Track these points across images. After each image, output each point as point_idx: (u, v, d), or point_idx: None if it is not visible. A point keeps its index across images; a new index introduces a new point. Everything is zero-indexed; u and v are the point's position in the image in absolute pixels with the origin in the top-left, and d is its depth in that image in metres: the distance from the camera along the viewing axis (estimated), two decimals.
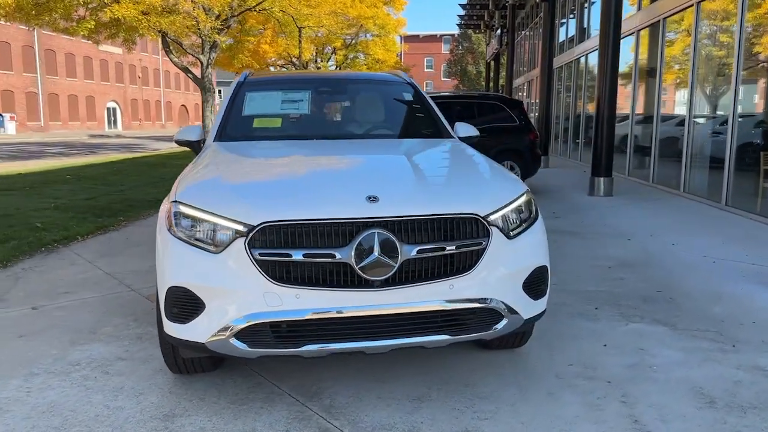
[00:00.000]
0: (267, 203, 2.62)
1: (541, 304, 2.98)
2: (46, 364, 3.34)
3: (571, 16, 19.26)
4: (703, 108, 9.94)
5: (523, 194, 3.01)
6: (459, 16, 37.54)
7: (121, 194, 9.74)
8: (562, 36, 20.63)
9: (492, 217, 2.75)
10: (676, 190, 10.17)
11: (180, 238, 2.67)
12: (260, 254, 2.53)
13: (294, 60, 29.55)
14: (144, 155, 19.76)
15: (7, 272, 5.27)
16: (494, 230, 2.74)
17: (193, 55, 20.58)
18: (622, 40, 13.29)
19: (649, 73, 12.04)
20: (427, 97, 4.41)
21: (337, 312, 2.55)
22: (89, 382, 3.11)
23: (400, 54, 61.76)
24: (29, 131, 44.77)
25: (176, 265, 2.66)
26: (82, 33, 17.37)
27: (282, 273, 2.54)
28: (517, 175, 10.07)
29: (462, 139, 4.09)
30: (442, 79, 78.14)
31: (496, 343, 3.35)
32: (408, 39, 75.40)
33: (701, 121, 9.89)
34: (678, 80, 11.04)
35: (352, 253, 2.52)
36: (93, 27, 17.54)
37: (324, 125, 4.23)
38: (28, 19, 16.67)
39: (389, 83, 4.58)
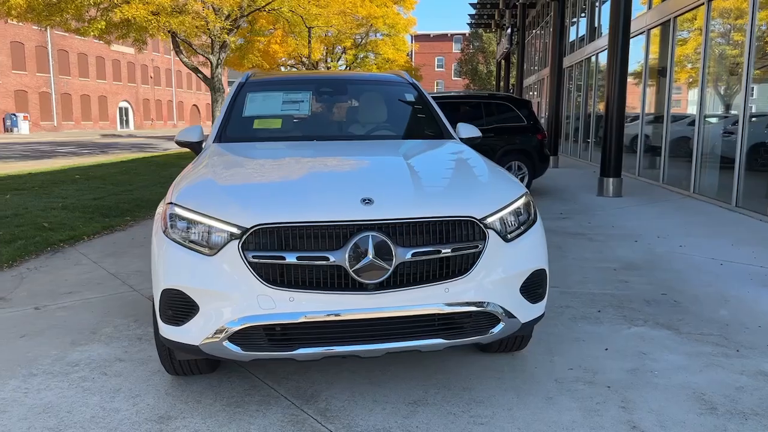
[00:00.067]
0: (260, 205, 2.61)
1: (539, 308, 2.94)
2: (46, 365, 3.35)
3: (582, 15, 19.13)
4: (714, 107, 9.83)
5: (521, 196, 2.97)
6: (470, 15, 37.43)
7: (129, 194, 9.78)
8: (572, 35, 20.50)
9: (489, 220, 2.72)
10: (686, 191, 10.07)
11: (175, 240, 2.67)
12: (254, 257, 2.52)
13: (304, 60, 29.57)
14: (154, 155, 19.86)
15: (12, 272, 5.31)
16: (491, 233, 2.71)
17: (203, 55, 20.67)
18: (632, 40, 13.20)
19: (659, 73, 11.93)
20: (429, 97, 4.39)
21: (331, 315, 2.53)
22: (87, 383, 3.12)
23: (411, 53, 61.73)
24: (42, 131, 45.21)
25: (171, 267, 2.65)
26: (92, 34, 17.49)
27: (276, 276, 2.53)
28: (525, 176, 10.15)
29: (464, 140, 4.06)
30: (453, 78, 77.96)
31: (495, 346, 3.33)
32: (419, 38, 75.37)
33: (712, 120, 9.77)
34: (688, 80, 10.92)
35: (346, 256, 2.50)
36: (104, 27, 17.65)
37: (324, 126, 4.21)
38: (40, 19, 16.81)
39: (391, 84, 4.56)
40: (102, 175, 12.58)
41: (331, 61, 35.87)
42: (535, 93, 27.91)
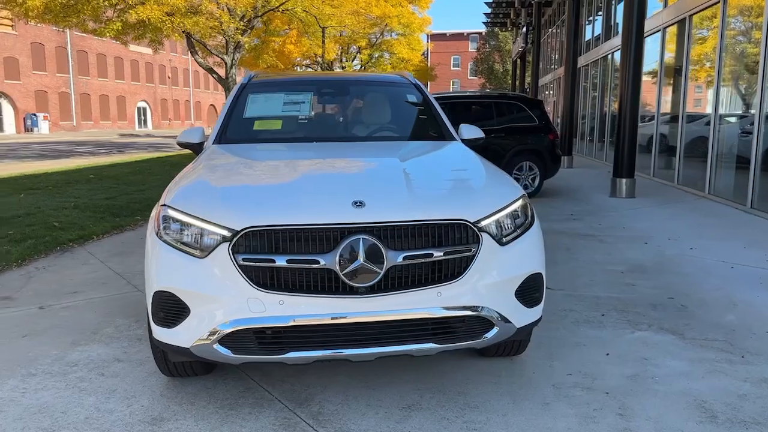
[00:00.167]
0: (251, 208, 2.60)
1: (535, 312, 2.89)
2: (45, 365, 3.37)
3: (598, 13, 18.93)
4: (730, 107, 9.66)
5: (518, 199, 2.93)
6: (485, 14, 37.23)
7: (141, 194, 9.86)
8: (588, 34, 20.30)
9: (483, 223, 2.68)
10: (701, 192, 9.91)
11: (167, 242, 2.67)
12: (244, 260, 2.51)
13: (319, 60, 29.64)
14: (169, 155, 20.03)
15: (20, 271, 5.37)
16: (485, 236, 2.67)
17: (218, 56, 20.79)
18: (648, 38, 13.06)
19: (675, 72, 11.76)
20: (432, 98, 4.35)
21: (321, 319, 2.52)
22: (84, 384, 3.13)
23: (426, 53, 61.61)
24: (62, 130, 45.84)
25: (162, 269, 2.65)
26: (109, 34, 17.67)
27: (266, 279, 2.52)
28: (536, 176, 10.06)
29: (467, 141, 4.01)
30: (469, 77, 77.67)
31: (493, 350, 3.29)
32: (435, 37, 75.25)
33: (727, 120, 9.61)
34: (704, 79, 10.75)
35: (337, 260, 2.48)
36: (120, 28, 17.83)
37: (324, 127, 4.20)
38: (57, 20, 17.03)
39: (393, 85, 4.53)
40: (116, 174, 12.71)
41: (346, 60, 35.92)
42: (552, 92, 27.67)
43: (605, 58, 17.28)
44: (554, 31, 26.70)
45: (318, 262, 2.49)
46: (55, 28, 21.04)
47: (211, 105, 70.62)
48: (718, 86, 9.51)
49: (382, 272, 2.51)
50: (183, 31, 17.90)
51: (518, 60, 35.34)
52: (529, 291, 2.83)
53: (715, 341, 3.63)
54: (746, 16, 9.18)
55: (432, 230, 2.60)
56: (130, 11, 16.22)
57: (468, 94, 11.71)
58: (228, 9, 18.64)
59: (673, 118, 11.69)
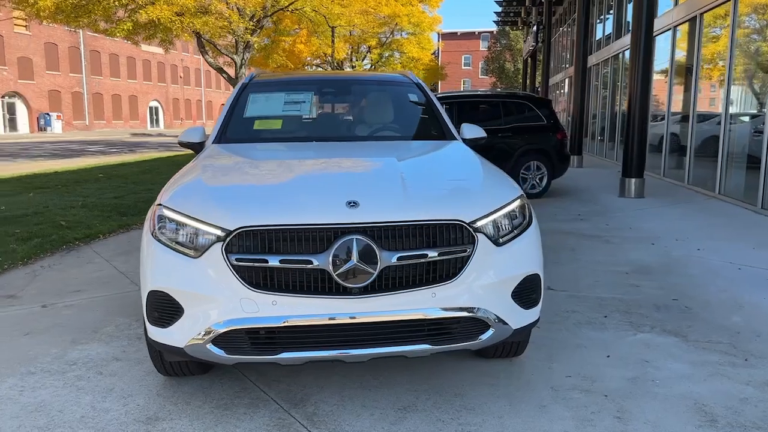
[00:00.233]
0: (245, 208, 2.59)
1: (532, 314, 2.86)
2: (45, 363, 3.39)
3: (609, 12, 18.79)
4: (740, 106, 9.54)
5: (516, 199, 2.90)
6: (495, 13, 37.09)
7: (149, 193, 9.91)
8: (599, 33, 20.15)
9: (478, 224, 2.66)
10: (711, 192, 9.80)
11: (161, 242, 2.67)
12: (237, 259, 2.50)
13: (329, 59, 29.66)
14: (178, 154, 20.12)
15: (26, 270, 5.41)
16: (480, 237, 2.65)
17: (228, 56, 20.87)
18: (659, 37, 12.94)
19: (685, 71, 11.64)
20: (434, 97, 4.32)
21: (314, 319, 2.50)
22: (82, 383, 3.14)
23: (437, 52, 61.48)
24: (75, 130, 46.25)
25: (157, 268, 2.66)
26: (119, 34, 17.78)
27: (259, 279, 2.51)
28: (544, 176, 9.99)
29: (469, 141, 3.98)
30: (480, 77, 77.44)
31: (491, 352, 3.26)
32: (445, 36, 75.08)
33: (738, 120, 9.49)
34: (715, 78, 10.63)
35: (330, 260, 2.47)
36: (131, 28, 17.93)
37: (324, 127, 4.19)
38: (69, 20, 17.16)
39: (395, 84, 4.51)
40: (125, 174, 12.79)
41: (356, 60, 35.91)
42: (563, 91, 27.51)
43: (616, 56, 17.14)
44: (565, 29, 26.54)
45: (311, 263, 2.48)
46: (67, 29, 21.15)
47: (223, 104, 70.75)
48: (729, 85, 9.40)
49: (376, 273, 2.49)
50: (193, 31, 17.98)
51: (529, 59, 35.17)
52: (526, 292, 2.80)
53: (718, 344, 3.58)
54: (759, 13, 9.06)
55: (427, 230, 2.57)
56: (140, 11, 16.30)
57: (475, 93, 11.65)
58: (237, 9, 18.69)
59: (684, 118, 11.57)
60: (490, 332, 2.67)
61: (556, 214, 8.32)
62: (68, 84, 47.06)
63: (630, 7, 15.93)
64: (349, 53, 35.06)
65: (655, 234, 6.79)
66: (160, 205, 2.78)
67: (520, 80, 49.77)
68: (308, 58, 33.47)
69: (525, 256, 2.82)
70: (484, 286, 2.65)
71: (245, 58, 20.62)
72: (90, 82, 49.19)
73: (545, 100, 10.79)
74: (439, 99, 10.13)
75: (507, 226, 2.79)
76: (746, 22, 9.31)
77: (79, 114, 48.24)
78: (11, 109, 42.65)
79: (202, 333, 2.54)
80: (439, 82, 55.76)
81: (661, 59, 13.10)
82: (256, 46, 22.17)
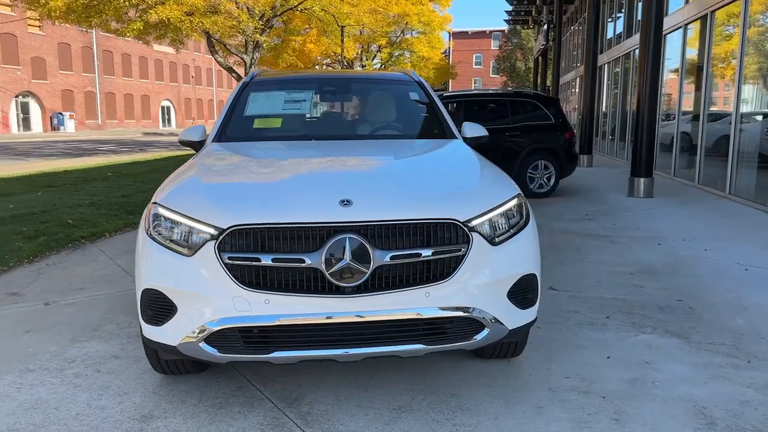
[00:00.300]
0: (238, 207, 2.59)
1: (529, 314, 2.83)
2: (44, 361, 3.40)
3: (620, 11, 18.64)
4: (752, 105, 9.42)
5: (512, 198, 2.87)
6: (506, 11, 36.93)
7: None
8: (610, 31, 20.00)
9: (473, 223, 2.63)
10: (721, 192, 9.68)
11: (156, 241, 2.67)
12: (229, 258, 2.49)
13: (339, 58, 29.69)
14: (188, 153, 20.19)
15: (31, 267, 5.44)
16: (475, 236, 2.62)
17: (237, 55, 20.94)
18: (669, 35, 12.81)
19: (696, 69, 11.51)
20: (435, 96, 4.29)
21: (307, 318, 2.49)
22: (79, 380, 3.15)
23: (448, 51, 61.33)
24: (87, 129, 46.62)
25: (151, 267, 2.66)
26: (129, 34, 17.90)
27: (251, 277, 2.50)
28: (552, 175, 9.92)
29: (470, 139, 3.94)
30: (491, 76, 77.15)
31: (489, 352, 3.23)
32: (456, 35, 74.90)
33: (749, 119, 9.37)
34: (726, 76, 10.50)
35: (323, 259, 2.46)
36: (141, 28, 18.05)
37: (323, 125, 4.17)
38: (80, 20, 17.30)
39: (395, 82, 4.49)
40: (134, 172, 12.86)
41: (366, 59, 35.91)
42: (575, 90, 27.32)
43: (627, 55, 16.99)
44: (576, 28, 26.38)
45: (304, 262, 2.47)
46: (80, 29, 21.31)
47: None
48: (740, 84, 9.28)
49: (369, 272, 2.47)
50: (203, 31, 18.06)
51: (540, 58, 34.98)
52: (522, 292, 2.77)
53: (721, 345, 3.53)
54: None
55: (420, 230, 2.55)
56: (150, 11, 16.40)
57: (482, 92, 11.59)
58: (247, 8, 18.75)
59: (695, 117, 11.45)
60: (485, 332, 2.64)
61: (563, 213, 8.26)
62: (81, 84, 47.45)
63: (640, 7, 15.80)
64: (359, 52, 35.06)
65: (663, 234, 6.72)
66: (155, 203, 2.78)
67: (532, 79, 49.52)
68: (318, 58, 33.51)
69: (521, 255, 2.79)
70: (479, 285, 2.62)
71: (255, 57, 20.69)
72: (102, 81, 49.57)
73: (553, 99, 10.71)
74: (446, 98, 10.17)
75: (503, 226, 2.76)
76: (758, 20, 9.19)
77: (91, 113, 48.64)
78: (25, 109, 43.08)
79: (196, 331, 2.53)
80: (450, 81, 55.61)
81: (672, 57, 12.97)
82: (265, 45, 22.22)
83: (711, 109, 10.82)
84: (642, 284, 4.77)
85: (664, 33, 12.05)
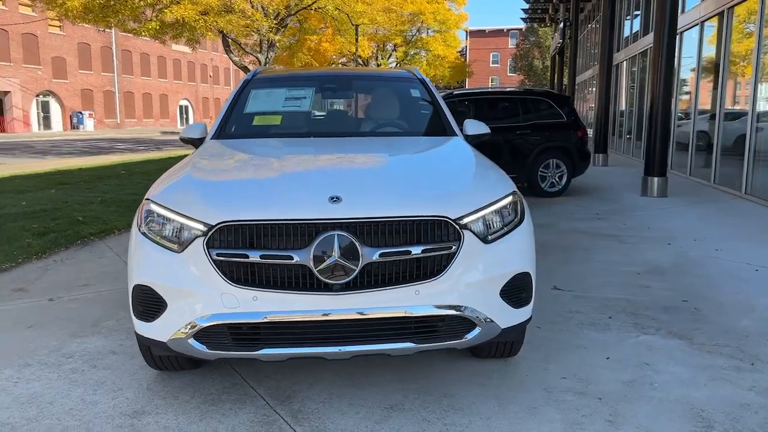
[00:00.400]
0: (226, 203, 2.58)
1: (523, 313, 2.79)
2: (42, 355, 3.43)
3: (636, 10, 18.41)
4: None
5: (507, 195, 2.83)
6: (523, 9, 36.69)
7: None
8: (626, 30, 19.77)
9: (465, 220, 2.60)
10: (737, 192, 9.51)
11: (147, 236, 2.68)
12: (218, 254, 2.49)
13: (354, 57, 29.70)
14: None
15: (39, 263, 5.50)
16: (467, 234, 2.59)
17: (252, 54, 21.04)
18: (685, 33, 12.62)
19: (713, 67, 11.32)
20: (437, 94, 4.26)
21: (295, 316, 2.48)
22: (75, 375, 3.17)
23: (464, 49, 61.07)
24: (106, 128, 47.21)
25: (142, 263, 2.66)
26: (146, 34, 18.07)
27: (239, 274, 2.49)
28: (564, 174, 9.82)
29: (471, 137, 3.90)
30: (508, 74, 76.72)
31: (485, 351, 3.20)
32: (473, 34, 74.61)
33: (766, 118, 9.19)
34: (743, 74, 10.31)
35: (311, 256, 2.44)
36: (158, 28, 18.21)
37: (323, 122, 4.16)
38: (97, 20, 17.50)
39: (397, 80, 4.46)
40: (147, 171, 12.97)
41: (382, 58, 35.89)
42: (593, 88, 27.04)
43: (644, 53, 16.78)
44: (593, 26, 26.11)
45: (292, 258, 2.45)
46: (98, 29, 21.58)
47: None
48: (757, 82, 9.11)
49: (358, 269, 2.45)
50: (217, 30, 18.17)
51: (557, 56, 34.69)
52: (515, 291, 2.73)
53: (725, 347, 3.45)
54: None
55: (410, 227, 2.52)
56: (166, 11, 16.53)
57: (493, 90, 11.52)
58: (262, 7, 18.83)
59: (711, 115, 11.26)
60: (476, 331, 2.61)
61: (574, 212, 8.17)
62: (100, 83, 48.04)
63: (656, 4, 15.59)
64: (375, 51, 35.05)
65: (674, 234, 6.61)
66: (147, 199, 2.79)
67: (549, 77, 49.16)
68: (333, 57, 33.56)
69: (515, 253, 2.75)
70: (470, 283, 2.59)
71: (269, 56, 20.77)
72: (121, 81, 50.15)
73: (565, 97, 10.61)
74: (457, 96, 10.12)
75: (497, 223, 2.73)
76: None
77: (110, 112, 49.23)
78: (45, 108, 43.73)
79: (185, 328, 2.53)
80: (467, 80, 55.39)
81: (687, 56, 12.77)
82: (279, 44, 22.30)
83: (727, 107, 10.63)
84: (648, 284, 4.69)
85: (680, 30, 11.87)
